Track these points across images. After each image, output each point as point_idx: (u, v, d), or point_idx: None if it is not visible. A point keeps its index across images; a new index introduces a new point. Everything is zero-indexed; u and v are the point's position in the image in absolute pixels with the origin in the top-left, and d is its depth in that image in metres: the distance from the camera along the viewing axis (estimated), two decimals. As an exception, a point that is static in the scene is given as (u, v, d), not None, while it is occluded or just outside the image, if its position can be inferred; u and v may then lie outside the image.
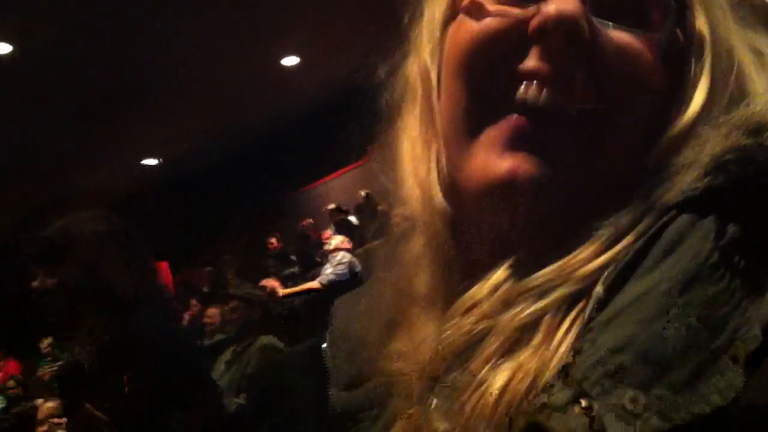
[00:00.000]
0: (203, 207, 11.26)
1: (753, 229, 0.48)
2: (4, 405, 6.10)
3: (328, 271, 6.94)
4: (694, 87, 0.58)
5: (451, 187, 0.63)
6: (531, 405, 0.49)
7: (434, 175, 0.64)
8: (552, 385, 0.48)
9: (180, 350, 2.29)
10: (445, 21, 0.66)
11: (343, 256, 6.95)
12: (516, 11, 0.58)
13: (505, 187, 0.57)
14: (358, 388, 0.68)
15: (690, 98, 0.58)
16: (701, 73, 0.58)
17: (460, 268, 0.64)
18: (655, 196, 0.54)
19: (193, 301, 6.31)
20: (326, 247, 7.46)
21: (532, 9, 0.57)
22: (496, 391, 0.52)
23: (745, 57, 0.60)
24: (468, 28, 0.61)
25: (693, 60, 0.59)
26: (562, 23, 0.55)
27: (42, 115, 8.46)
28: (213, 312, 5.04)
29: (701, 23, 0.59)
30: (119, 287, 2.16)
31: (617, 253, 0.54)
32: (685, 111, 0.57)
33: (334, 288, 6.29)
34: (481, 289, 0.59)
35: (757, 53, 0.60)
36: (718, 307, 0.47)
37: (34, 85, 7.78)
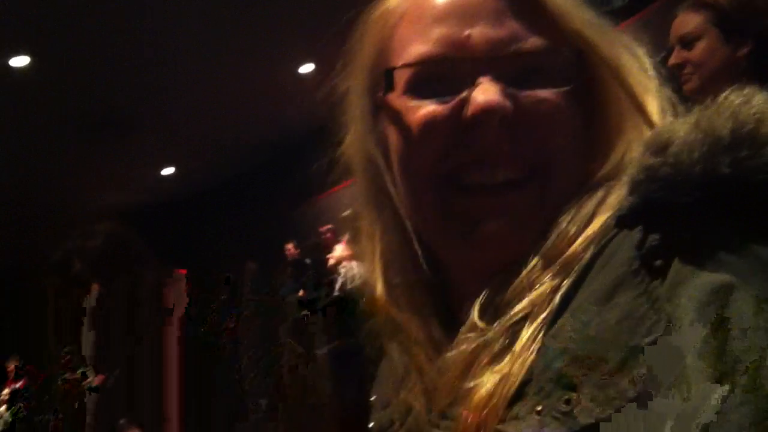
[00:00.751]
0: (220, 215, 11.32)
1: (669, 236, 0.54)
2: (10, 420, 5.99)
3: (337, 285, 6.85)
4: (614, 121, 0.68)
5: (432, 256, 0.72)
6: (505, 414, 0.57)
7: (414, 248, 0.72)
8: (521, 396, 0.56)
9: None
10: (371, 111, 0.74)
11: (348, 269, 6.86)
12: (445, 107, 0.66)
13: (492, 256, 0.66)
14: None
15: (613, 134, 0.68)
16: (613, 107, 0.68)
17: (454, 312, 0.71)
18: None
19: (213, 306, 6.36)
20: (330, 261, 7.32)
21: (459, 100, 0.66)
22: (482, 400, 0.59)
23: (638, 82, 0.69)
24: (404, 128, 0.69)
25: (602, 94, 0.69)
26: (493, 113, 0.63)
27: (58, 127, 8.55)
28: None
29: (601, 63, 0.68)
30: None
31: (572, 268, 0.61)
32: (610, 147, 0.67)
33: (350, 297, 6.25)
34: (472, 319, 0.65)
35: (647, 73, 0.70)
36: (637, 307, 0.52)
37: (53, 97, 7.86)
